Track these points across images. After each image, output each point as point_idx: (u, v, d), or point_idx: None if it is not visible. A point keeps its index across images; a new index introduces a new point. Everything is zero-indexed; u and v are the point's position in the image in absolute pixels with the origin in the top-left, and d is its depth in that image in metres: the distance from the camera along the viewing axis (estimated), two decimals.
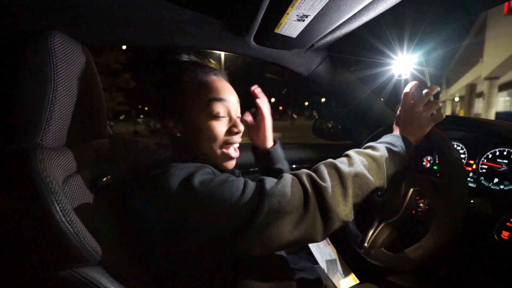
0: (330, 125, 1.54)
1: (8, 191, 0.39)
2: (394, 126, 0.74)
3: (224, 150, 0.64)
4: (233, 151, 0.65)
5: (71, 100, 0.53)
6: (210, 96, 0.62)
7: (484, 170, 0.78)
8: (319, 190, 0.52)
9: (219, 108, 0.62)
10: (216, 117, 0.62)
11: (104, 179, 0.59)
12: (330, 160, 0.59)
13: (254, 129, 0.83)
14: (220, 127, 0.62)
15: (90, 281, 0.42)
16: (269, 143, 0.83)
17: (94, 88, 0.62)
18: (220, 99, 0.62)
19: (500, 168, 0.73)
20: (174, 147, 0.69)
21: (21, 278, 0.42)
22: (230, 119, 0.65)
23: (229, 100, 0.64)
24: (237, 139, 0.65)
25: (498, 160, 0.75)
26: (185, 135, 0.64)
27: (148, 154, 0.86)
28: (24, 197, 0.38)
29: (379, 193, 0.79)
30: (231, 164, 0.66)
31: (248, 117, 0.82)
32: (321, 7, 0.60)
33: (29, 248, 0.40)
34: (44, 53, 0.48)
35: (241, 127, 0.65)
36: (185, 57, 0.68)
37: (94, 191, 0.56)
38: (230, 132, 0.64)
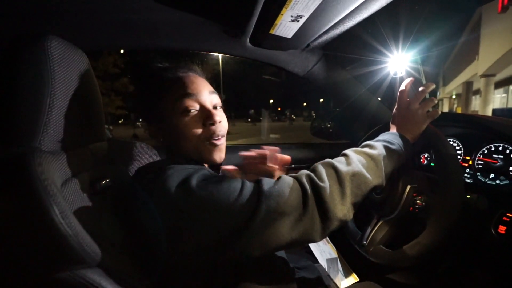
0: (328, 125, 1.54)
1: (6, 194, 0.39)
2: (391, 124, 0.75)
3: (207, 143, 0.62)
4: (217, 141, 0.63)
5: (68, 104, 0.53)
6: (177, 94, 0.61)
7: (480, 166, 0.79)
8: (317, 190, 0.52)
9: (188, 103, 0.60)
10: (187, 113, 0.60)
11: (103, 182, 0.59)
12: (328, 159, 0.59)
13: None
14: (193, 122, 0.60)
15: (89, 282, 0.42)
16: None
17: (91, 91, 0.62)
18: (187, 94, 0.60)
19: (496, 163, 0.74)
20: (166, 150, 0.70)
21: (21, 281, 0.42)
22: (203, 112, 0.62)
23: (199, 93, 0.62)
24: (217, 130, 0.62)
25: (493, 155, 0.76)
26: (166, 137, 0.65)
27: (146, 157, 0.86)
28: (23, 200, 0.39)
29: (377, 190, 0.80)
30: (220, 156, 0.64)
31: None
32: (315, 7, 0.61)
33: (28, 251, 0.40)
34: (41, 58, 0.48)
35: (216, 118, 0.61)
36: (155, 64, 0.68)
37: (93, 194, 0.56)
38: (205, 125, 0.61)
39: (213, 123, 0.61)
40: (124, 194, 0.60)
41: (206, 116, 0.61)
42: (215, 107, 0.65)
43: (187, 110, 0.60)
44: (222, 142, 0.64)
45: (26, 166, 0.39)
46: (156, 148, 0.93)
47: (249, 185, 0.51)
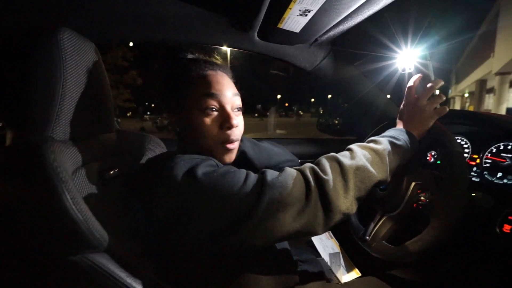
0: (336, 122, 1.54)
1: (21, 181, 0.41)
2: (398, 120, 0.74)
3: (219, 146, 0.62)
4: (230, 145, 0.63)
5: (79, 95, 0.54)
6: (202, 91, 0.61)
7: (488, 165, 0.78)
8: (320, 182, 0.53)
9: (210, 103, 0.60)
10: (207, 112, 0.60)
11: (111, 172, 0.61)
12: (332, 153, 0.60)
13: None
14: (210, 122, 0.60)
15: (99, 266, 0.44)
16: None
17: (101, 83, 0.63)
18: (211, 94, 0.60)
19: (504, 162, 0.73)
20: (178, 141, 0.71)
21: (34, 263, 0.44)
22: (223, 114, 0.61)
23: (222, 95, 0.61)
24: (232, 135, 0.62)
25: (502, 154, 0.75)
26: (182, 130, 0.66)
27: (154, 149, 0.88)
28: (36, 186, 0.41)
29: (381, 186, 0.80)
30: (230, 157, 0.64)
31: None
32: (324, 1, 0.61)
33: (41, 234, 0.42)
34: (53, 49, 0.49)
35: (234, 122, 0.61)
36: (186, 54, 0.68)
37: (101, 183, 0.58)
38: (222, 128, 0.61)
39: (230, 127, 0.61)
40: (132, 183, 0.62)
41: (224, 119, 0.61)
42: (236, 109, 0.65)
43: (208, 109, 0.60)
44: (235, 146, 0.64)
45: (40, 154, 0.41)
46: (163, 141, 0.95)
47: (253, 176, 0.52)
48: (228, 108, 0.62)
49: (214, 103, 0.60)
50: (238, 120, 0.63)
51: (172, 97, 0.65)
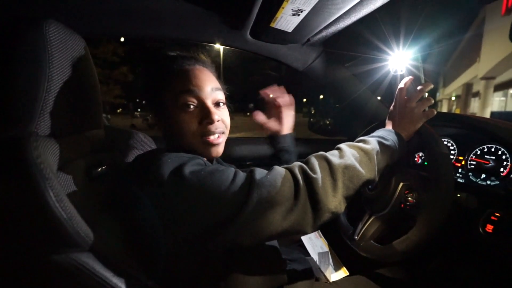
0: (327, 122, 1.55)
1: (2, 177, 0.40)
2: (387, 121, 0.75)
3: (203, 140, 0.61)
4: (214, 139, 0.62)
5: (66, 90, 0.53)
6: (180, 87, 0.60)
7: (472, 166, 0.80)
8: (309, 181, 0.53)
9: (188, 99, 0.59)
10: (186, 108, 0.59)
11: (98, 169, 0.60)
12: (321, 152, 0.60)
13: (270, 120, 0.89)
14: (189, 119, 0.60)
15: (83, 266, 0.43)
16: (283, 131, 0.90)
17: (89, 78, 0.62)
18: (188, 90, 0.60)
19: (488, 164, 0.75)
20: (165, 140, 0.70)
21: (16, 262, 0.42)
22: (202, 109, 0.61)
23: (201, 90, 0.60)
24: (213, 128, 0.61)
25: (486, 156, 0.77)
26: (166, 128, 0.65)
27: (143, 146, 0.87)
28: (19, 183, 0.39)
29: (370, 186, 0.81)
30: (216, 151, 0.63)
31: (258, 117, 0.88)
32: (316, 1, 0.61)
33: (24, 232, 0.41)
34: (39, 42, 0.48)
35: (215, 117, 0.60)
36: (165, 51, 0.67)
37: (88, 181, 0.56)
38: (201, 123, 0.60)
39: (211, 122, 0.60)
40: (120, 181, 0.60)
41: (204, 114, 0.60)
42: (217, 104, 0.64)
43: (186, 106, 0.59)
44: (220, 141, 0.63)
45: (22, 150, 0.39)
46: (153, 138, 0.94)
47: (241, 175, 0.52)
48: (208, 103, 0.61)
49: (192, 99, 0.60)
50: (220, 115, 0.62)
51: (153, 95, 0.65)
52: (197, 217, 0.48)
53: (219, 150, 0.64)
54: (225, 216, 0.48)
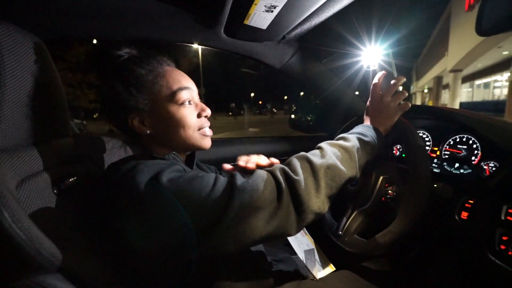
0: (309, 118, 1.56)
1: None
2: (365, 117, 0.76)
3: (199, 132, 0.66)
4: (208, 131, 0.68)
5: (23, 97, 0.48)
6: (176, 86, 0.62)
7: (446, 156, 0.83)
8: (292, 183, 0.52)
9: (186, 96, 0.63)
10: (185, 104, 0.63)
11: (69, 181, 0.56)
12: (302, 153, 0.59)
13: None
14: (191, 113, 0.64)
15: None
16: None
17: (51, 83, 0.57)
18: (185, 88, 0.63)
19: (460, 153, 0.78)
20: (143, 145, 0.66)
21: None
22: (196, 105, 0.67)
23: (191, 87, 0.66)
24: (206, 121, 0.68)
25: (458, 146, 0.80)
26: (157, 129, 0.63)
27: (118, 153, 0.82)
28: None
29: (352, 182, 0.82)
30: (208, 142, 0.69)
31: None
32: None
33: None
34: None
35: (208, 111, 0.68)
36: (126, 51, 0.63)
37: (56, 194, 0.52)
38: (200, 116, 0.66)
39: (207, 115, 0.68)
40: (92, 193, 0.57)
41: (200, 108, 0.67)
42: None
43: (185, 102, 0.63)
44: (210, 133, 0.70)
45: None
46: (128, 144, 0.89)
47: (222, 180, 0.50)
48: (197, 99, 0.68)
49: (189, 96, 0.64)
50: None
51: (130, 100, 0.61)
52: (177, 227, 0.46)
53: (210, 142, 0.70)
54: (206, 224, 0.46)
